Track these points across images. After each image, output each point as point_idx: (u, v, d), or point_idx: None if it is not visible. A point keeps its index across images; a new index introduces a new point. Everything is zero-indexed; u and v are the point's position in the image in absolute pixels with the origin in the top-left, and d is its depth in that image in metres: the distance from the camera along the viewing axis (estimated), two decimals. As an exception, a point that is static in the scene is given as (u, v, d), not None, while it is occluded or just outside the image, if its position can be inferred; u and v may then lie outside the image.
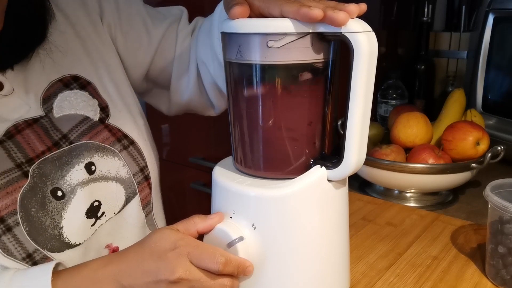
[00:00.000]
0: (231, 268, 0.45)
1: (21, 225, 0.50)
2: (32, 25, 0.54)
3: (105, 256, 0.48)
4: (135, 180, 0.60)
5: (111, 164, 0.58)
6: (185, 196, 1.43)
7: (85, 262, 0.47)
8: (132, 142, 0.61)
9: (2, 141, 0.51)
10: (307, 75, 0.45)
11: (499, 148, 0.80)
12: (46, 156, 0.54)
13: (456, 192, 0.89)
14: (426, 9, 1.19)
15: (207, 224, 0.48)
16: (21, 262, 0.50)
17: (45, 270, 0.45)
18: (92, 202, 0.56)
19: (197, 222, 0.48)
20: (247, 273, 0.47)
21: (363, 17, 0.42)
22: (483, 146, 0.82)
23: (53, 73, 0.57)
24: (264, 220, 0.47)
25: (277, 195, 0.46)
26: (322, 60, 0.45)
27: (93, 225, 0.56)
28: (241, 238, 0.46)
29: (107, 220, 0.57)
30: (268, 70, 0.45)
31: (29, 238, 0.50)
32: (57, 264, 0.46)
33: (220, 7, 0.58)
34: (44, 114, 0.55)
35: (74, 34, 0.60)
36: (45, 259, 0.51)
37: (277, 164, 0.48)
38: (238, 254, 0.46)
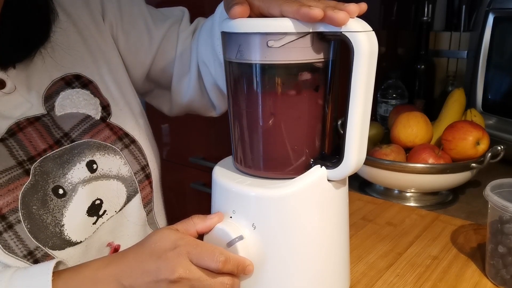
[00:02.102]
0: (230, 266, 0.45)
1: (22, 223, 0.50)
2: (35, 24, 0.55)
3: (106, 256, 0.48)
4: (136, 178, 0.60)
5: (113, 162, 0.58)
6: (185, 196, 1.43)
7: (86, 262, 0.47)
8: (133, 141, 0.61)
9: (4, 139, 0.51)
10: (307, 75, 0.45)
11: (499, 148, 0.80)
12: (47, 154, 0.54)
13: (456, 192, 0.89)
14: (426, 9, 1.19)
15: (206, 224, 0.48)
16: (22, 260, 0.50)
17: (45, 269, 0.45)
18: (93, 200, 0.56)
19: (197, 222, 0.48)
20: (247, 272, 0.47)
21: (363, 16, 0.42)
22: (483, 146, 0.82)
23: (55, 72, 0.58)
24: (264, 220, 0.47)
25: (277, 195, 0.46)
26: (322, 60, 0.45)
27: (94, 223, 0.56)
28: (240, 238, 0.46)
29: (108, 219, 0.58)
30: (268, 69, 0.45)
31: (30, 236, 0.50)
32: (58, 263, 0.46)
33: (221, 7, 0.58)
34: (46, 112, 0.55)
35: (77, 33, 0.61)
36: (46, 256, 0.51)
37: (277, 164, 0.48)
38: (238, 254, 0.46)
